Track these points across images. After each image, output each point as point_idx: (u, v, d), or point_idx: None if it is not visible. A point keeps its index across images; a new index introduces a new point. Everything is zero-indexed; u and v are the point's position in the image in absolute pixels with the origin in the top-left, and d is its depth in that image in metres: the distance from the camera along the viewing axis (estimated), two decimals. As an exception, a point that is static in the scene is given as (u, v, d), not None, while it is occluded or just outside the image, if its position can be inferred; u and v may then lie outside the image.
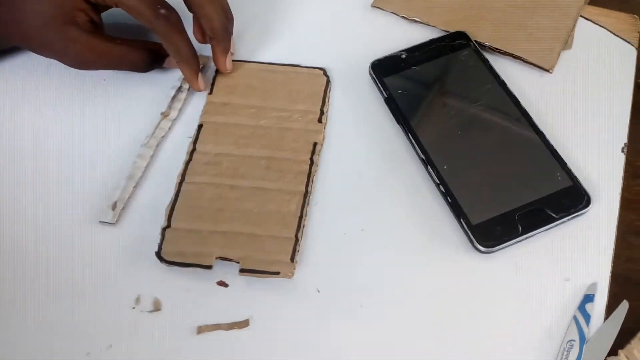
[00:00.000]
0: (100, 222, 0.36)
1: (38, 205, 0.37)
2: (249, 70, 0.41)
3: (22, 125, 0.40)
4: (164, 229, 0.35)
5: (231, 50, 0.40)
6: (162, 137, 0.39)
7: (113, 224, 0.36)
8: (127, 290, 0.34)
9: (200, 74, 0.39)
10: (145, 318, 0.33)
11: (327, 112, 0.40)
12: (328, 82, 0.41)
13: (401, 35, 0.43)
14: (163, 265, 0.33)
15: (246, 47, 0.43)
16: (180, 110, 0.40)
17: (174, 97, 0.40)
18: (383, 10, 0.45)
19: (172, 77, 0.41)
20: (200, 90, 0.40)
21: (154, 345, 0.32)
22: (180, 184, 0.36)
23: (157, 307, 0.33)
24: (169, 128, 0.40)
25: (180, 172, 0.37)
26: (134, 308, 0.33)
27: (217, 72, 0.41)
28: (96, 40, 0.37)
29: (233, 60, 0.41)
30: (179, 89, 0.41)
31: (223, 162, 0.37)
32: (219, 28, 0.38)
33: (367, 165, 0.38)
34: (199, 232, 0.34)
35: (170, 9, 0.37)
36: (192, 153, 0.37)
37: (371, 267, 0.34)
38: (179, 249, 0.34)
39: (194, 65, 0.39)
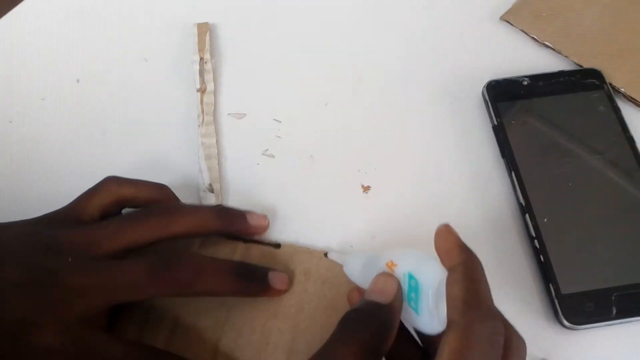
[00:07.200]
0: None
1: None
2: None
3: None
4: None
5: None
6: (214, 110, 0.37)
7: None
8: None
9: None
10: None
11: None
12: None
13: (527, 58, 0.39)
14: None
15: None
16: (214, 81, 0.38)
17: (200, 71, 0.38)
18: (512, 25, 0.40)
19: (186, 57, 0.38)
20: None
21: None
22: None
23: None
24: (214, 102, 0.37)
25: None
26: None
27: None
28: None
29: None
30: (202, 61, 0.38)
31: None
32: (218, 226, 0.30)
33: (456, 195, 0.34)
34: None
35: (167, 264, 0.27)
36: None
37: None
38: None
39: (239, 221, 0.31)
